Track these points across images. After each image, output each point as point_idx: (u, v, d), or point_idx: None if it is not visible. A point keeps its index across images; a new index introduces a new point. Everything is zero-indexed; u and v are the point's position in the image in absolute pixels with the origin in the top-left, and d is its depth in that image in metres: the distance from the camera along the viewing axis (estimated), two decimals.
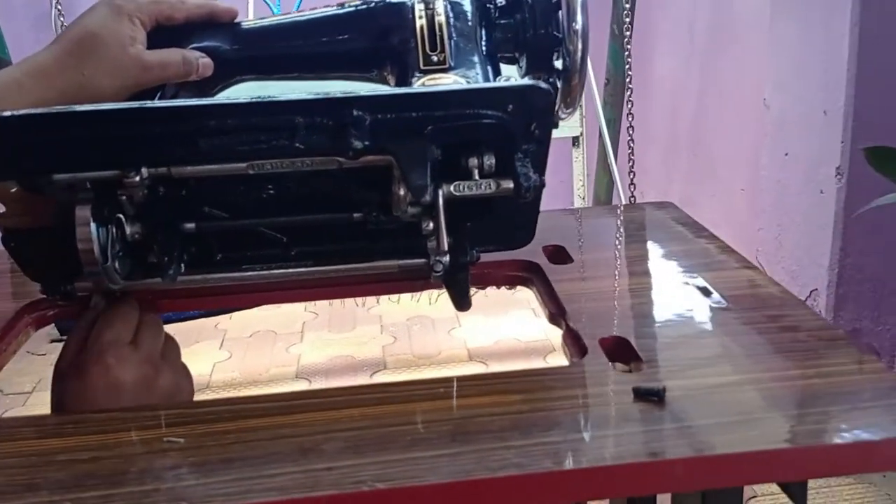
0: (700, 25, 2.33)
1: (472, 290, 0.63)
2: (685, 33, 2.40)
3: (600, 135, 2.12)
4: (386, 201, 0.57)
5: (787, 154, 1.86)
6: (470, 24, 0.65)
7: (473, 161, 0.54)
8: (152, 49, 0.62)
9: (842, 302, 1.77)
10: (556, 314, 0.63)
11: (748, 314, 0.61)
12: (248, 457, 0.45)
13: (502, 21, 0.66)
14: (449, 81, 0.61)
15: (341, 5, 0.67)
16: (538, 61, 0.66)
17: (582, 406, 0.50)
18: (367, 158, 0.53)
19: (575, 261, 0.72)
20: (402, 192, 0.55)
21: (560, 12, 0.64)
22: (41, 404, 2.03)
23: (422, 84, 0.61)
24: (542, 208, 0.61)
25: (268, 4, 2.08)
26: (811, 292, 1.81)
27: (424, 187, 0.53)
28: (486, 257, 0.64)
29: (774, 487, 1.59)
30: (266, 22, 0.68)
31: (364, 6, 0.66)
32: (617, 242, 0.79)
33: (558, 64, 0.65)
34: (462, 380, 0.53)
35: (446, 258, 0.58)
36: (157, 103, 0.56)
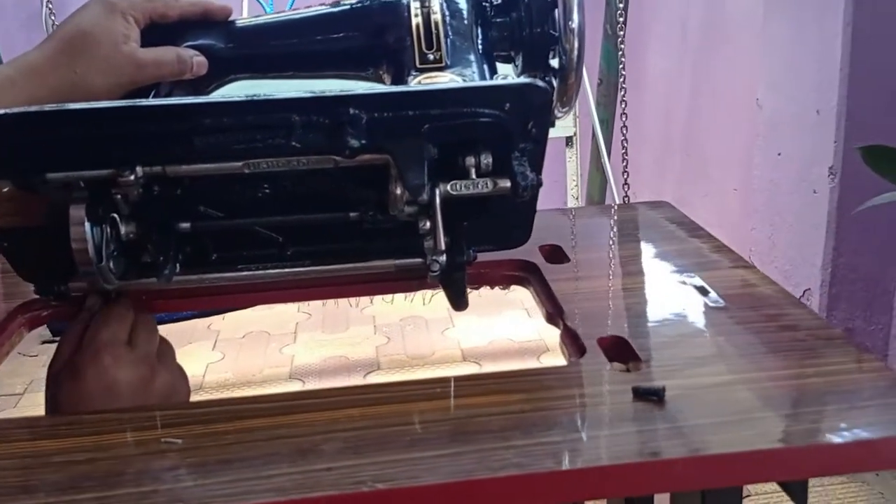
0: (693, 25, 2.33)
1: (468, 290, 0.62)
2: (678, 33, 2.40)
3: (593, 135, 2.12)
4: (382, 200, 0.57)
5: (779, 154, 1.87)
6: (466, 22, 0.64)
7: (470, 160, 0.54)
8: (146, 47, 0.62)
9: (835, 301, 1.77)
10: (554, 314, 0.63)
11: (746, 313, 0.61)
12: (247, 457, 0.45)
13: (498, 19, 0.66)
14: (445, 80, 0.61)
15: (336, 3, 0.67)
16: (534, 60, 0.66)
17: (581, 406, 0.50)
18: (363, 157, 0.53)
19: (571, 260, 0.72)
20: (398, 191, 0.54)
21: (556, 11, 0.64)
22: (32, 406, 2.02)
23: (418, 82, 0.61)
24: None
25: (260, 4, 2.07)
26: (804, 292, 1.81)
27: (422, 186, 0.53)
28: (482, 257, 0.64)
29: (769, 487, 1.59)
30: (261, 20, 0.68)
31: (359, 4, 0.65)
32: (613, 242, 0.79)
33: (554, 63, 0.65)
34: (461, 379, 0.52)
35: (443, 258, 0.58)
36: (152, 101, 0.56)
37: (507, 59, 0.68)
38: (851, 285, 1.77)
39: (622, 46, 1.75)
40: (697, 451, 0.45)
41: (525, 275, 0.70)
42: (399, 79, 0.63)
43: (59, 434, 0.48)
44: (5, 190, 0.56)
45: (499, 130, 0.53)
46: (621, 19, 1.77)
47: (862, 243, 1.73)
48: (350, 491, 0.42)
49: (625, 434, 0.46)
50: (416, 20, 0.63)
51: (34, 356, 2.13)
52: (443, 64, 0.62)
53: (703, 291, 0.64)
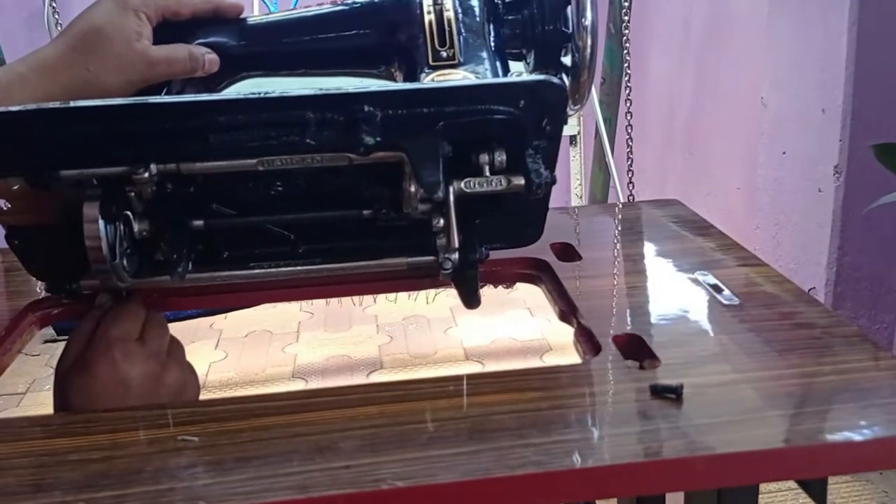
0: (696, 23, 2.33)
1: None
2: (681, 31, 2.40)
3: (597, 133, 2.12)
4: (396, 198, 0.57)
5: (784, 153, 1.86)
6: (478, 19, 0.64)
7: (484, 157, 0.54)
8: (158, 45, 0.62)
9: (840, 300, 1.77)
10: (567, 312, 0.63)
11: (760, 311, 0.60)
12: (264, 455, 0.44)
13: (510, 16, 0.66)
14: (458, 77, 0.61)
15: (346, 1, 0.67)
16: (546, 57, 0.66)
17: (599, 404, 0.50)
18: (377, 155, 0.53)
19: (583, 258, 0.72)
20: (412, 188, 0.54)
21: (569, 8, 0.63)
22: (35, 405, 2.02)
23: (431, 80, 0.61)
24: None
25: (265, 3, 2.07)
26: (809, 290, 1.81)
27: (437, 184, 0.52)
28: (493, 255, 0.64)
29: (771, 486, 1.58)
30: (272, 18, 0.68)
31: (372, 2, 0.65)
32: (624, 240, 0.79)
33: (566, 60, 0.65)
34: (475, 377, 0.52)
35: (456, 256, 0.58)
36: (168, 98, 0.56)
37: (519, 57, 0.68)
38: (856, 284, 1.76)
39: (627, 45, 1.75)
40: (716, 449, 0.45)
41: (537, 273, 0.70)
42: (411, 76, 0.63)
43: (74, 432, 0.48)
44: (17, 187, 0.56)
45: (513, 128, 0.53)
46: (626, 18, 1.76)
47: (867, 242, 1.73)
48: (370, 489, 0.41)
49: (644, 432, 0.46)
50: (429, 17, 0.63)
51: (36, 355, 2.13)
52: (456, 61, 0.62)
53: (716, 289, 0.64)
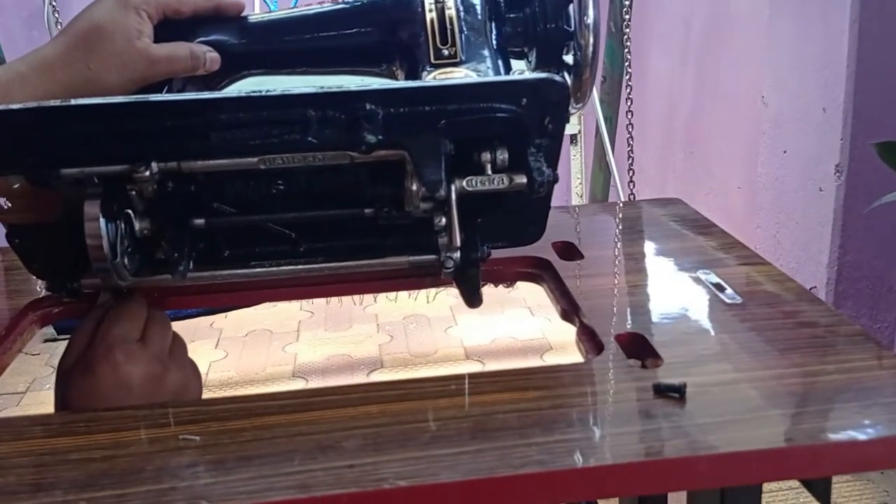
0: (697, 22, 2.33)
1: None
2: (682, 30, 2.39)
3: (597, 132, 2.12)
4: (397, 196, 0.57)
5: (785, 151, 1.86)
6: (480, 17, 0.64)
7: (486, 156, 0.54)
8: (159, 43, 0.61)
9: (841, 299, 1.77)
10: (570, 311, 0.62)
11: (763, 310, 0.60)
12: (266, 454, 0.44)
13: (512, 15, 0.66)
14: (461, 75, 0.61)
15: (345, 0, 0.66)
16: (548, 56, 0.66)
17: (601, 403, 0.50)
18: (379, 153, 0.52)
19: (585, 257, 0.72)
20: (414, 187, 0.54)
21: (571, 6, 0.63)
22: (35, 404, 2.02)
23: (433, 78, 0.61)
24: None
25: (266, 2, 2.07)
26: (810, 289, 1.81)
27: (439, 182, 0.52)
28: (495, 253, 0.63)
29: (773, 485, 1.58)
30: (273, 16, 0.67)
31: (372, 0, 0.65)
32: (625, 238, 0.79)
33: (568, 59, 0.65)
34: (477, 376, 0.52)
35: (457, 254, 0.58)
36: (169, 96, 0.56)
37: (521, 55, 0.68)
38: (857, 283, 1.76)
39: (628, 44, 1.75)
40: (719, 448, 0.44)
41: (539, 272, 0.70)
42: (413, 75, 0.63)
43: (75, 431, 0.48)
44: (17, 186, 0.56)
45: (515, 126, 0.53)
46: (627, 16, 1.76)
47: (868, 241, 1.73)
48: (372, 488, 0.41)
49: (646, 431, 0.46)
50: (431, 15, 0.62)
51: (36, 355, 2.13)
52: (457, 59, 0.62)
53: (719, 288, 0.64)
